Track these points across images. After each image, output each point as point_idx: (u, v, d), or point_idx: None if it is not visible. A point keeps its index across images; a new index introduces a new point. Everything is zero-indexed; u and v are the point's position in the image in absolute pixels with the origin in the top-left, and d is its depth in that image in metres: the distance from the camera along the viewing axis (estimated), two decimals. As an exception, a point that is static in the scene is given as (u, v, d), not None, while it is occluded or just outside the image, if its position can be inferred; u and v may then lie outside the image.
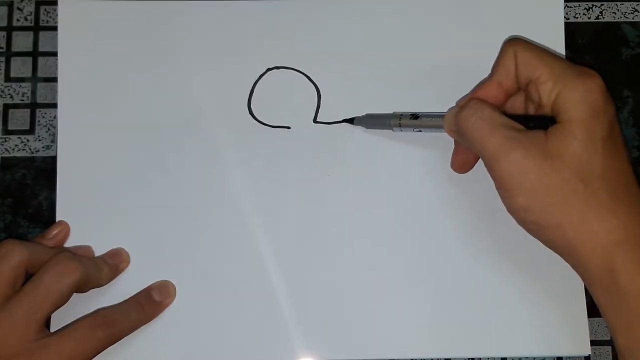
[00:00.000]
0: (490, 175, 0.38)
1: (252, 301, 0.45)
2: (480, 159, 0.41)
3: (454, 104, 0.43)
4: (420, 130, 0.44)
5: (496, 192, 0.46)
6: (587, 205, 0.36)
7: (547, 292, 0.45)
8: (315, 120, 0.47)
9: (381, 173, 0.47)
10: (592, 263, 0.36)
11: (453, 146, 0.45)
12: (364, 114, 0.47)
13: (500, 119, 0.38)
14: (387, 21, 0.48)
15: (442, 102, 0.46)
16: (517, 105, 0.42)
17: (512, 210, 0.38)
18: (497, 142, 0.37)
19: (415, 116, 0.44)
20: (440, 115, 0.42)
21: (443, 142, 0.47)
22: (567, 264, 0.45)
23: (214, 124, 0.47)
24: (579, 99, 0.37)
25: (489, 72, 0.43)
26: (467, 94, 0.42)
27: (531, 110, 0.41)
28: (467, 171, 0.44)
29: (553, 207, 0.36)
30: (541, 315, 0.45)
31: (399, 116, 0.45)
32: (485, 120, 0.38)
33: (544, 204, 0.37)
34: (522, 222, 0.38)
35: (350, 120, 0.47)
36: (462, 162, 0.44)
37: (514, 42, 0.40)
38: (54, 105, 0.48)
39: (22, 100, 0.49)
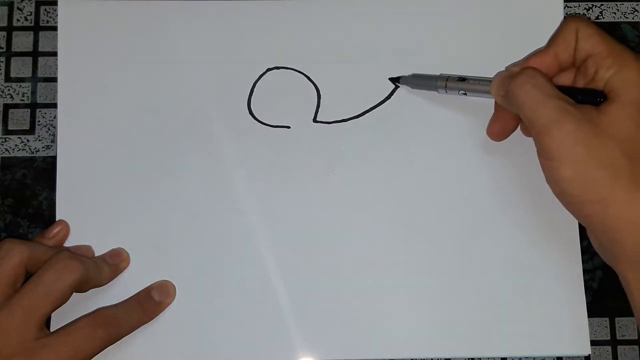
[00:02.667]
0: (537, 144, 0.39)
1: (252, 301, 0.45)
2: (516, 129, 0.43)
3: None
4: (466, 94, 0.44)
5: (496, 192, 0.46)
6: (634, 184, 0.36)
7: (547, 292, 0.45)
8: (315, 120, 0.47)
9: (381, 173, 0.47)
10: (629, 240, 0.36)
11: (450, 147, 0.45)
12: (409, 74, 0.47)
13: (553, 90, 0.39)
14: (386, 21, 0.48)
15: (442, 101, 0.46)
16: (562, 81, 0.42)
17: (554, 180, 0.38)
18: (550, 112, 0.38)
19: (462, 79, 0.44)
20: (487, 80, 0.43)
21: (444, 147, 0.47)
22: (567, 265, 0.45)
23: (214, 124, 0.47)
24: (637, 81, 0.38)
25: (489, 71, 0.43)
26: (519, 61, 0.43)
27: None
28: (503, 139, 0.45)
29: (598, 182, 0.37)
30: (541, 315, 0.45)
31: (446, 78, 0.45)
32: (539, 89, 0.38)
33: (590, 178, 0.37)
34: (562, 194, 0.38)
35: (397, 79, 0.47)
36: (500, 129, 0.44)
37: (575, 18, 0.41)
38: (54, 105, 0.48)
39: (22, 100, 0.49)
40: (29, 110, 0.49)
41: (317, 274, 0.45)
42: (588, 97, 0.39)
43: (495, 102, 0.43)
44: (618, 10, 0.50)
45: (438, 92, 0.45)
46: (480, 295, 0.45)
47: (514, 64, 0.43)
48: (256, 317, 0.45)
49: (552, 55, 0.41)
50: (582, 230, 0.46)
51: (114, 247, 0.46)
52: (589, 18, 0.50)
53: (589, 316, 0.45)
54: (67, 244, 0.45)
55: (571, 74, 0.42)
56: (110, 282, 0.45)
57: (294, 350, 0.45)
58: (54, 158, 0.47)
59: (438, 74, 0.46)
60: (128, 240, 0.46)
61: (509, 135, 0.45)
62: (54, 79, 0.48)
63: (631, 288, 0.37)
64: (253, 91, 0.48)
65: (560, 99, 0.38)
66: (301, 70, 0.48)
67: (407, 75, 0.47)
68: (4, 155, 0.48)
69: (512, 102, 0.40)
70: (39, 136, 0.48)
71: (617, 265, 0.38)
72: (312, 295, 0.45)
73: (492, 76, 0.42)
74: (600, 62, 0.39)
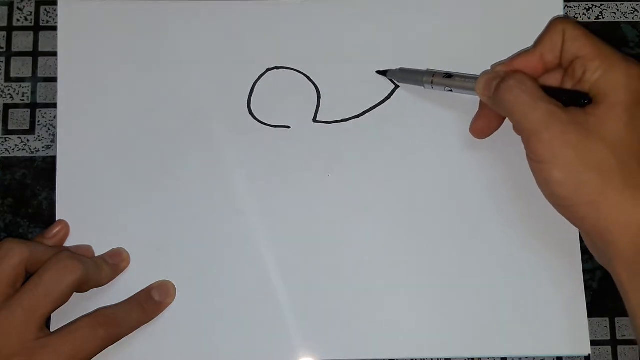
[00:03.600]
0: (527, 148, 0.39)
1: (252, 301, 0.45)
2: (499, 128, 0.44)
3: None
4: (451, 90, 0.44)
5: (496, 192, 0.46)
6: (625, 184, 0.37)
7: (547, 292, 0.45)
8: (315, 120, 0.47)
9: (381, 173, 0.47)
10: (622, 241, 0.37)
11: (450, 147, 0.45)
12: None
13: (542, 94, 0.39)
14: (386, 21, 0.48)
15: (442, 101, 0.46)
16: (550, 83, 0.42)
17: (545, 183, 0.38)
18: (539, 116, 0.38)
19: (448, 75, 0.44)
20: (474, 77, 0.43)
21: (444, 147, 0.47)
22: (567, 264, 0.45)
23: (214, 124, 0.47)
24: (625, 82, 0.38)
25: (489, 71, 0.43)
26: (503, 60, 0.43)
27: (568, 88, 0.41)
28: (485, 137, 0.45)
29: (589, 184, 0.37)
30: (541, 315, 0.45)
31: (432, 74, 0.45)
32: (528, 93, 0.38)
33: (581, 180, 0.37)
34: (553, 197, 0.39)
35: (384, 73, 0.47)
36: (483, 127, 0.45)
37: (563, 20, 0.41)
38: (54, 105, 0.48)
39: (22, 100, 0.49)
40: (29, 110, 0.49)
41: (317, 274, 0.45)
42: (573, 99, 0.39)
43: (481, 100, 0.44)
44: (618, 10, 0.50)
45: (424, 87, 0.45)
46: (480, 295, 0.45)
47: (499, 64, 0.43)
48: (256, 317, 0.45)
49: (538, 55, 0.41)
50: (582, 230, 0.46)
51: (114, 247, 0.46)
52: (589, 18, 0.50)
53: (589, 316, 0.45)
54: (67, 244, 0.45)
55: (559, 75, 0.42)
56: (110, 282, 0.45)
57: (294, 350, 0.45)
58: (54, 158, 0.47)
59: (425, 69, 0.46)
60: (128, 240, 0.46)
61: (492, 134, 0.45)
62: (54, 79, 0.48)
63: (625, 289, 0.37)
64: (253, 91, 0.48)
65: (548, 102, 0.38)
66: (301, 70, 0.48)
67: (394, 69, 0.47)
68: (4, 155, 0.48)
69: (500, 105, 0.40)
70: (39, 136, 0.48)
71: (611, 267, 0.38)
72: (312, 295, 0.45)
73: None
74: (588, 64, 0.39)
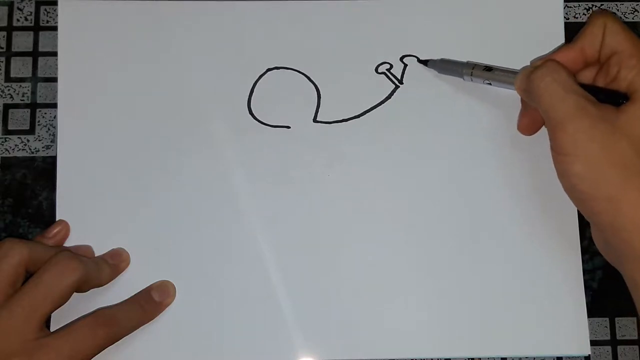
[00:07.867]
0: (551, 138, 0.39)
1: (252, 301, 0.45)
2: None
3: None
4: (490, 83, 0.44)
5: (496, 192, 0.46)
6: None
7: (547, 292, 0.45)
8: (315, 120, 0.47)
9: (381, 173, 0.47)
10: (638, 240, 0.36)
11: (450, 147, 0.45)
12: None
13: (574, 86, 0.38)
14: (386, 21, 0.48)
15: (441, 101, 0.46)
16: (583, 77, 0.42)
17: (566, 175, 0.38)
18: (568, 107, 0.37)
19: (488, 68, 0.44)
20: (513, 72, 0.43)
21: (444, 146, 0.47)
22: (567, 265, 0.45)
23: (214, 124, 0.47)
24: None
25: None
26: (543, 55, 0.42)
27: (601, 85, 0.41)
28: (533, 133, 0.45)
29: (610, 180, 0.37)
30: (541, 315, 0.45)
31: (472, 66, 0.45)
32: (560, 84, 0.38)
33: (602, 175, 0.37)
34: (572, 190, 0.38)
35: (425, 62, 0.47)
36: (529, 123, 0.44)
37: (604, 14, 0.41)
38: (54, 105, 0.48)
39: (22, 100, 0.49)
40: (29, 110, 0.49)
41: (318, 274, 0.45)
42: (610, 98, 0.39)
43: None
44: (618, 10, 0.50)
45: (464, 79, 0.45)
46: (480, 295, 0.45)
47: (539, 58, 0.42)
48: (256, 317, 0.45)
49: (579, 49, 0.41)
50: (583, 231, 0.46)
51: (114, 247, 0.46)
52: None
53: (589, 316, 0.45)
54: (67, 244, 0.45)
55: (593, 71, 0.42)
56: (110, 282, 0.45)
57: (294, 350, 0.45)
58: (54, 158, 0.47)
59: (465, 60, 0.46)
60: (128, 240, 0.46)
61: (539, 129, 0.44)
62: (54, 79, 0.48)
63: (637, 285, 0.37)
64: (253, 91, 0.48)
65: (579, 95, 0.38)
66: (301, 70, 0.48)
67: (435, 59, 0.47)
68: (4, 155, 0.48)
69: (531, 94, 0.40)
70: (39, 136, 0.48)
71: (623, 266, 0.38)
72: (313, 295, 0.45)
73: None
74: (625, 61, 0.39)
